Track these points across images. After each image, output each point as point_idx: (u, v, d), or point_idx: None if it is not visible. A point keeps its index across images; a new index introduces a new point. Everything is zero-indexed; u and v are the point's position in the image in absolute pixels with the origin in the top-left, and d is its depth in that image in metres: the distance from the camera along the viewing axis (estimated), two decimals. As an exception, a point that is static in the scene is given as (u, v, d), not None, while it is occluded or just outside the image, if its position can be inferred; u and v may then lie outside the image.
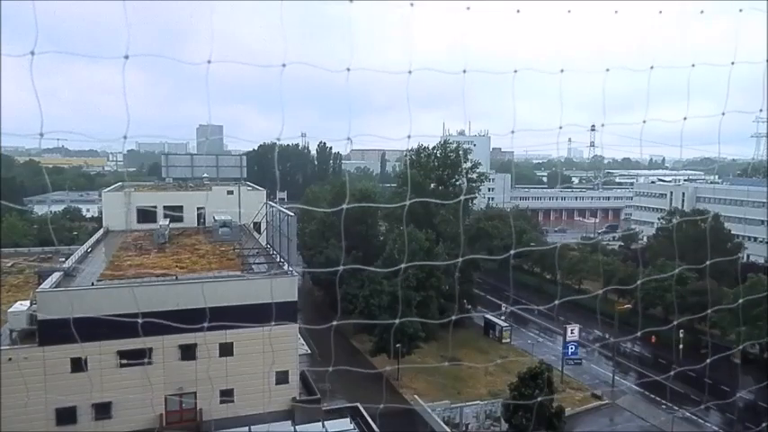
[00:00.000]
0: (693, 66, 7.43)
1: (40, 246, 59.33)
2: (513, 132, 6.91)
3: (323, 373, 49.11)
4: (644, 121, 7.61)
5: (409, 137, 6.21)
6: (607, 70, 7.25)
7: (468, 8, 5.53)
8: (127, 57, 4.63)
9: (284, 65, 5.14)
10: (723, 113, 7.83)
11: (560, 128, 7.52)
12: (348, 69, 5.41)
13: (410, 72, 5.69)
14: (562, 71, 6.78)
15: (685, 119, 7.79)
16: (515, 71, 6.51)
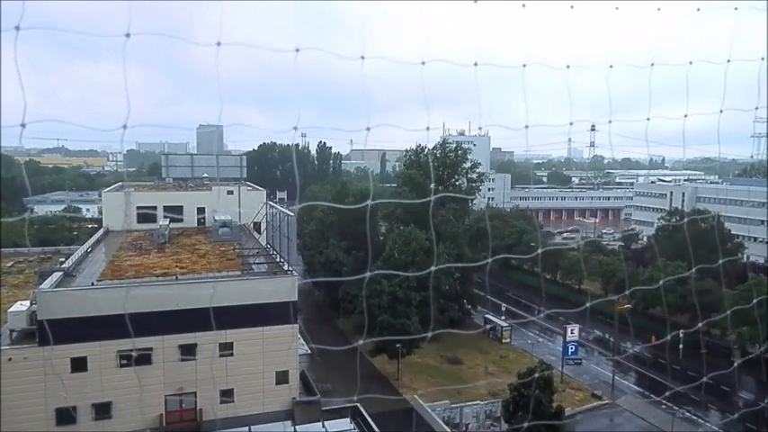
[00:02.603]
0: (691, 63, 7.41)
1: (40, 246, 59.31)
2: (526, 127, 6.88)
3: (323, 372, 49.20)
4: (648, 119, 7.59)
5: (428, 128, 6.24)
6: (611, 66, 7.23)
7: (476, 0, 5.52)
8: (128, 35, 4.58)
9: (297, 49, 5.09)
10: (721, 111, 7.81)
11: (571, 124, 7.49)
12: (363, 57, 5.38)
13: (423, 63, 5.67)
14: (568, 67, 6.77)
15: (686, 116, 7.77)
16: (524, 65, 6.49)
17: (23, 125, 4.37)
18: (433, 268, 7.52)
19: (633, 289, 64.17)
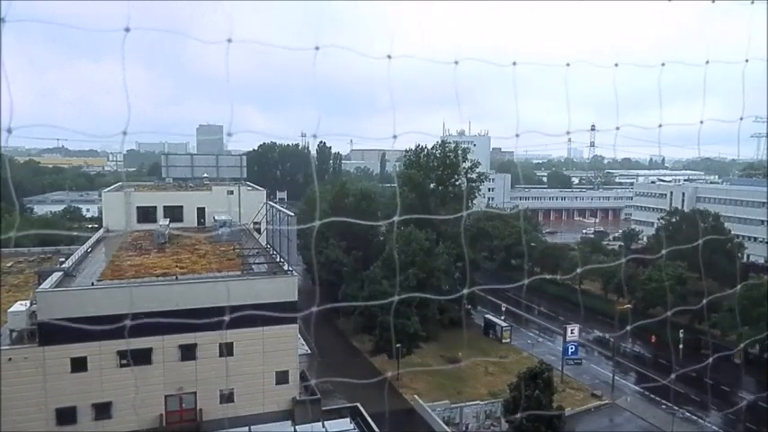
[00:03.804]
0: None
1: (40, 246, 59.28)
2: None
3: (323, 373, 49.16)
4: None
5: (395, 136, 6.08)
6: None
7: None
8: (128, 29, 4.50)
9: (317, 47, 5.00)
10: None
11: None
12: (389, 57, 5.31)
13: (457, 63, 5.59)
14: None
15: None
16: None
17: (9, 131, 4.31)
18: (465, 291, 7.48)
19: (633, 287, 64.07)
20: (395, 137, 5.80)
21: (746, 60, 7.51)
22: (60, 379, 30.74)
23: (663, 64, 7.16)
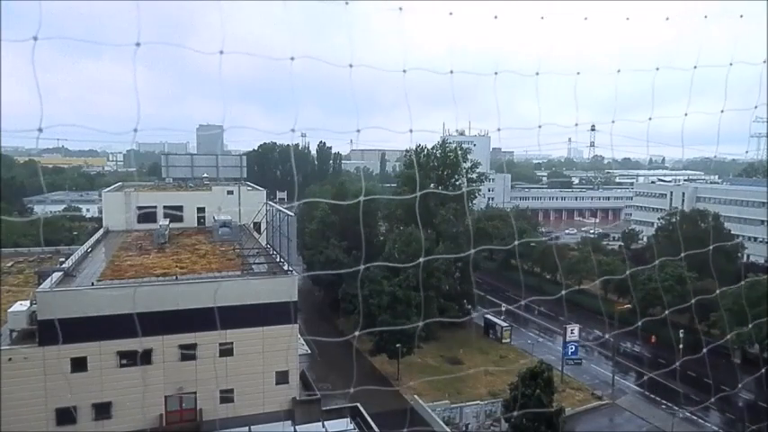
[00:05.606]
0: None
1: (40, 246, 59.21)
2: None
3: (323, 373, 49.19)
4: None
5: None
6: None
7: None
8: (138, 44, 4.53)
9: (292, 58, 5.04)
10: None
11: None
12: (351, 66, 5.30)
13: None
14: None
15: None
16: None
17: (40, 129, 4.34)
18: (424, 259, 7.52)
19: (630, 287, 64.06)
20: (351, 141, 5.78)
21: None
22: (60, 379, 30.74)
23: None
